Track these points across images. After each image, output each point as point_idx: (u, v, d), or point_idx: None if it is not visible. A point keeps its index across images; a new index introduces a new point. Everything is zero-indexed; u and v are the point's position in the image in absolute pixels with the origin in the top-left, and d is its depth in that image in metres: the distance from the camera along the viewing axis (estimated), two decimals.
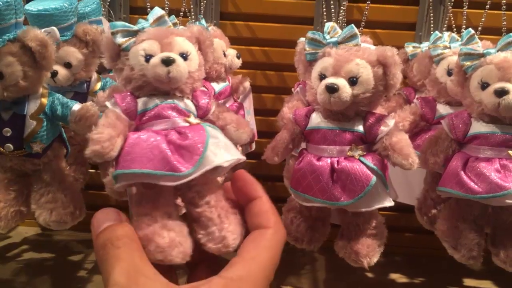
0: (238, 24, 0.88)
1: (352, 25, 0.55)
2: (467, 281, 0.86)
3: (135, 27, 0.50)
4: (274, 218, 0.39)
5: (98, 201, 0.63)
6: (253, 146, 0.84)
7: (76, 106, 0.55)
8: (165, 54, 0.46)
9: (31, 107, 0.54)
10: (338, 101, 0.52)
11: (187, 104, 0.48)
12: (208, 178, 0.45)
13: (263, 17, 0.88)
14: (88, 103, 0.56)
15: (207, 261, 0.43)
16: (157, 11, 0.52)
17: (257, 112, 0.87)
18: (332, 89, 0.52)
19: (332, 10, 0.80)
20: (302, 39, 0.79)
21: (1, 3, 0.49)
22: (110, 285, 0.33)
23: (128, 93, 0.48)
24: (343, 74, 0.53)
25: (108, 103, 0.48)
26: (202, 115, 0.49)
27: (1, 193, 0.57)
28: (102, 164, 0.76)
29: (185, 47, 0.48)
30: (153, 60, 0.46)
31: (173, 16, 0.54)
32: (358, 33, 0.55)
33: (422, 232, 0.90)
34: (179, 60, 0.46)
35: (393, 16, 0.85)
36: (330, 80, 0.53)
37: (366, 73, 0.53)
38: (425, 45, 0.77)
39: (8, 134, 0.54)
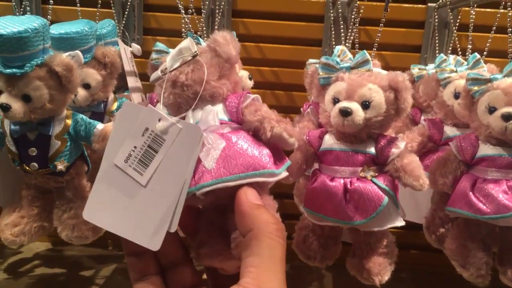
0: (248, 45, 0.91)
1: (364, 51, 0.57)
2: None
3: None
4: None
5: None
6: None
7: (99, 127, 0.57)
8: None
9: (56, 128, 0.57)
10: (352, 124, 0.54)
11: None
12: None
13: (273, 38, 0.91)
14: (109, 124, 0.58)
15: None
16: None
17: None
18: (345, 113, 0.54)
19: (342, 32, 0.82)
20: (312, 60, 0.82)
21: (30, 31, 0.51)
22: None
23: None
24: (356, 98, 0.55)
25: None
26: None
27: (25, 209, 0.60)
28: None
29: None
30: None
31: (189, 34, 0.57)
32: (370, 59, 0.57)
33: (427, 249, 0.92)
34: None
35: (399, 38, 0.88)
36: (343, 104, 0.55)
37: (379, 97, 0.55)
38: (430, 67, 0.79)
39: (34, 154, 0.56)
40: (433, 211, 0.69)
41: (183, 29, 0.61)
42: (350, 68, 0.57)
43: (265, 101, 0.86)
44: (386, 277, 0.58)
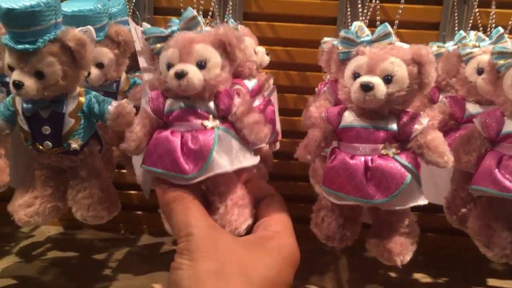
0: (261, 24, 0.88)
1: (386, 23, 0.55)
2: (491, 281, 0.86)
3: (166, 32, 0.54)
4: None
5: (121, 200, 0.63)
6: (277, 145, 0.84)
7: (113, 104, 0.56)
8: (179, 67, 0.51)
9: (69, 106, 0.55)
10: (373, 99, 0.53)
11: (208, 106, 0.54)
12: (224, 175, 0.53)
13: (286, 17, 0.89)
14: (123, 101, 0.57)
15: None
16: (189, 13, 0.54)
17: (280, 112, 0.87)
18: (367, 88, 0.52)
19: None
20: (326, 38, 0.80)
21: (42, 4, 0.49)
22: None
23: (160, 93, 0.55)
24: (378, 72, 0.53)
25: (143, 100, 0.55)
26: (223, 116, 0.54)
27: (39, 189, 0.58)
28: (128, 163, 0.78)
29: (204, 55, 0.52)
30: (170, 72, 0.52)
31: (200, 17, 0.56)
32: (392, 31, 0.55)
33: (444, 232, 0.91)
34: (192, 72, 0.51)
35: (417, 16, 0.85)
36: (364, 78, 0.53)
37: (401, 71, 0.53)
38: (449, 45, 0.76)
39: (47, 132, 0.55)
40: (454, 191, 0.67)
41: (194, 8, 0.60)
42: (371, 42, 0.55)
43: (278, 82, 0.87)
44: (408, 258, 0.57)
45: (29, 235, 0.94)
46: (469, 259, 0.89)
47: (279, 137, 0.84)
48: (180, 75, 0.51)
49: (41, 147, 0.55)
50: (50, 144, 0.55)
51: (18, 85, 0.51)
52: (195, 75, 0.51)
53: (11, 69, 0.52)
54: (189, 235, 0.46)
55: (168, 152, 0.51)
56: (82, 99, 0.56)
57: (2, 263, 0.83)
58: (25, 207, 0.57)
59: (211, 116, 0.53)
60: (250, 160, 0.55)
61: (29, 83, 0.51)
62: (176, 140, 0.52)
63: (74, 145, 0.55)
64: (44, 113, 0.55)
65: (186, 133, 0.52)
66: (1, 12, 0.49)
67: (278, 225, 0.52)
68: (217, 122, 0.53)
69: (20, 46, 0.50)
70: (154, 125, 0.55)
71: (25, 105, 0.54)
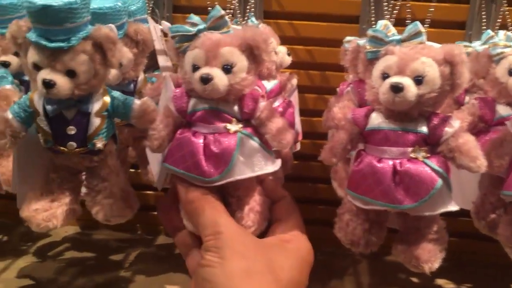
0: (281, 23, 0.87)
1: (417, 22, 0.53)
2: None
3: (192, 31, 0.52)
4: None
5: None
6: (298, 146, 0.82)
7: (137, 102, 0.55)
8: (205, 71, 0.50)
9: (95, 105, 0.53)
10: (403, 101, 0.51)
11: (232, 109, 0.53)
12: (244, 179, 0.52)
13: (307, 15, 0.87)
14: (146, 99, 0.56)
15: None
16: (216, 12, 0.53)
17: (300, 112, 0.86)
18: (397, 89, 0.50)
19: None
20: (349, 37, 0.78)
21: (78, 1, 0.48)
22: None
23: (184, 92, 0.54)
24: (408, 73, 0.51)
25: (164, 96, 0.56)
26: (246, 119, 0.54)
27: (55, 192, 0.56)
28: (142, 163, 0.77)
29: (230, 59, 0.51)
30: (195, 75, 0.51)
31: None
32: (423, 30, 0.53)
33: (468, 237, 0.88)
34: (217, 77, 0.50)
35: (442, 14, 0.83)
36: (394, 79, 0.51)
37: (433, 72, 0.51)
38: (476, 44, 0.74)
39: (73, 132, 0.53)
40: (483, 196, 0.65)
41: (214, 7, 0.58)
42: (400, 41, 0.53)
43: (299, 82, 0.85)
44: (436, 265, 0.55)
45: (46, 234, 0.93)
46: (493, 265, 0.86)
47: (300, 138, 0.82)
48: (206, 80, 0.50)
49: (62, 148, 0.53)
50: (74, 144, 0.53)
51: (49, 84, 0.49)
52: (221, 81, 0.51)
53: (38, 68, 0.50)
54: (218, 233, 0.47)
55: (190, 153, 0.52)
56: (107, 98, 0.54)
57: (19, 263, 0.83)
58: (42, 212, 0.54)
59: (234, 120, 0.53)
60: (271, 166, 0.55)
61: (61, 82, 0.50)
62: (199, 142, 0.52)
63: (99, 144, 0.54)
64: (68, 113, 0.53)
65: (209, 136, 0.52)
66: (35, 9, 0.47)
67: (294, 228, 0.54)
68: (240, 125, 0.53)
69: (53, 44, 0.49)
70: (177, 124, 0.55)
71: (48, 106, 0.52)
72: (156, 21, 0.77)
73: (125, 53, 0.68)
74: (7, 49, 0.72)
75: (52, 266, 0.83)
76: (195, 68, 0.52)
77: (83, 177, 0.60)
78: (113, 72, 0.67)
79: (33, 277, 0.80)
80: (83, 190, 0.59)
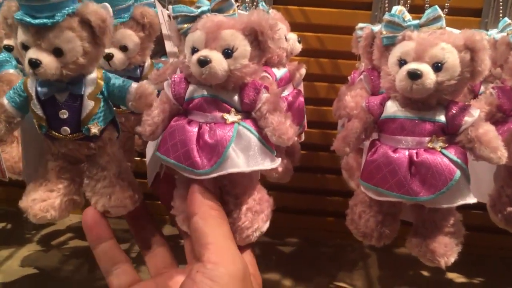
0: (291, 9, 0.85)
1: (436, 6, 0.51)
2: None
3: (195, 12, 0.50)
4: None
5: (143, 189, 0.60)
6: (302, 137, 0.80)
7: (134, 85, 0.52)
8: (203, 53, 0.47)
9: (88, 87, 0.51)
10: (421, 88, 0.49)
11: (232, 98, 0.49)
12: (242, 175, 0.49)
13: (318, 1, 0.85)
14: (144, 82, 0.53)
15: None
16: None
17: (309, 101, 0.84)
18: (414, 75, 0.48)
19: None
20: (361, 24, 0.75)
21: None
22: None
23: (183, 78, 0.51)
24: (427, 59, 0.49)
25: (165, 83, 0.51)
26: (247, 110, 0.50)
27: (53, 182, 0.54)
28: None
29: (232, 42, 0.48)
30: (193, 57, 0.48)
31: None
32: (442, 15, 0.51)
33: (480, 230, 0.86)
34: (216, 60, 0.47)
35: (458, 1, 0.80)
36: (412, 65, 0.49)
37: (452, 58, 0.49)
38: (493, 32, 0.72)
39: (65, 116, 0.51)
40: (499, 188, 0.62)
41: None
42: (419, 26, 0.51)
43: (309, 70, 0.82)
44: (452, 259, 0.53)
45: (50, 223, 0.92)
46: (505, 259, 0.85)
47: (305, 128, 0.80)
48: (203, 62, 0.46)
49: (57, 134, 0.51)
50: (68, 129, 0.51)
51: (35, 63, 0.47)
52: (219, 64, 0.47)
53: (26, 48, 0.48)
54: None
55: (182, 142, 0.48)
56: (101, 80, 0.52)
57: (23, 251, 0.82)
58: (39, 202, 0.52)
59: (233, 110, 0.49)
60: (268, 163, 0.50)
61: (47, 60, 0.47)
62: (193, 131, 0.48)
63: (94, 129, 0.51)
64: (60, 96, 0.50)
65: (205, 125, 0.48)
66: None
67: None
68: (239, 116, 0.49)
69: (37, 21, 0.46)
70: (173, 111, 0.51)
71: (39, 89, 0.50)
72: (163, 6, 0.75)
73: (131, 37, 0.66)
74: (10, 33, 0.70)
75: (56, 255, 0.82)
76: (194, 50, 0.48)
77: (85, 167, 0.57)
78: (118, 56, 0.66)
79: (37, 266, 0.79)
80: (85, 181, 0.57)
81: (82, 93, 0.51)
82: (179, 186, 0.52)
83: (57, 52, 0.48)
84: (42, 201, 0.53)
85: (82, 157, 0.56)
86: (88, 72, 0.52)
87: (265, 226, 0.51)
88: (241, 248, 0.49)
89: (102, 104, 0.52)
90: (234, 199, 0.51)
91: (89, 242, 0.53)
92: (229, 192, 0.51)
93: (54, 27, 0.47)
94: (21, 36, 0.48)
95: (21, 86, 0.52)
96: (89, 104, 0.51)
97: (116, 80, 0.53)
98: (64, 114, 0.51)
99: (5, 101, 0.51)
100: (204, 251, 0.44)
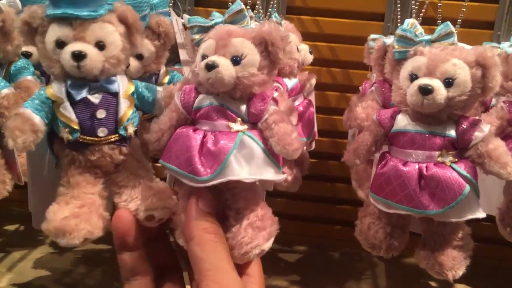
0: (304, 19, 0.86)
1: (448, 22, 0.52)
2: None
3: (210, 23, 0.50)
4: None
5: None
6: (313, 145, 0.81)
7: (159, 89, 0.53)
8: (211, 59, 0.46)
9: (121, 86, 0.51)
10: (432, 103, 0.49)
11: (239, 107, 0.48)
12: (247, 184, 0.47)
13: (330, 12, 0.86)
14: (166, 86, 0.54)
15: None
16: (236, 6, 0.51)
17: (320, 110, 0.85)
18: (426, 91, 0.49)
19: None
20: (374, 35, 0.76)
21: None
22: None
23: (193, 88, 0.50)
24: (438, 74, 0.50)
25: (176, 94, 0.51)
26: (253, 121, 0.49)
27: (81, 198, 0.49)
28: None
29: (240, 49, 0.47)
30: (201, 63, 0.47)
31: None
32: (454, 31, 0.51)
33: (487, 242, 0.86)
34: (223, 65, 0.46)
35: (470, 13, 0.80)
36: (423, 80, 0.50)
37: (464, 74, 0.49)
38: (506, 45, 0.72)
39: (103, 116, 0.49)
40: (509, 202, 0.63)
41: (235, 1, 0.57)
42: (430, 41, 0.52)
43: (321, 79, 0.83)
44: (460, 272, 0.53)
45: None
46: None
47: (315, 137, 0.81)
48: (210, 67, 0.46)
49: (91, 138, 0.49)
50: (106, 130, 0.49)
51: (80, 55, 0.46)
52: (226, 69, 0.46)
53: (61, 45, 0.47)
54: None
55: (185, 148, 0.46)
56: (131, 84, 0.52)
57: (36, 253, 0.83)
58: (72, 219, 0.47)
59: (239, 119, 0.48)
60: (271, 174, 0.48)
61: (93, 53, 0.47)
62: (197, 138, 0.47)
63: (130, 130, 0.50)
64: (94, 98, 0.49)
65: (209, 133, 0.47)
66: None
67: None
68: (245, 126, 0.48)
69: (85, 13, 0.46)
70: (181, 120, 0.50)
71: (72, 90, 0.48)
72: (178, 15, 0.76)
73: (146, 46, 0.67)
74: (28, 40, 0.71)
75: (68, 257, 0.84)
76: (204, 57, 0.48)
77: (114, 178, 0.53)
78: (134, 64, 0.67)
79: (49, 267, 0.80)
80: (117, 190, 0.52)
81: (118, 90, 0.50)
82: (181, 199, 0.50)
83: (100, 46, 0.48)
84: (75, 217, 0.47)
85: (112, 166, 0.52)
86: (119, 72, 0.51)
87: (266, 245, 0.47)
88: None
89: (135, 103, 0.52)
90: (235, 213, 0.48)
91: (116, 246, 0.49)
92: (230, 206, 0.48)
93: (97, 20, 0.48)
94: (57, 33, 0.47)
95: (44, 94, 0.49)
96: (125, 103, 0.50)
97: (143, 83, 0.54)
98: (101, 114, 0.49)
99: (28, 110, 0.49)
100: (203, 278, 0.43)
